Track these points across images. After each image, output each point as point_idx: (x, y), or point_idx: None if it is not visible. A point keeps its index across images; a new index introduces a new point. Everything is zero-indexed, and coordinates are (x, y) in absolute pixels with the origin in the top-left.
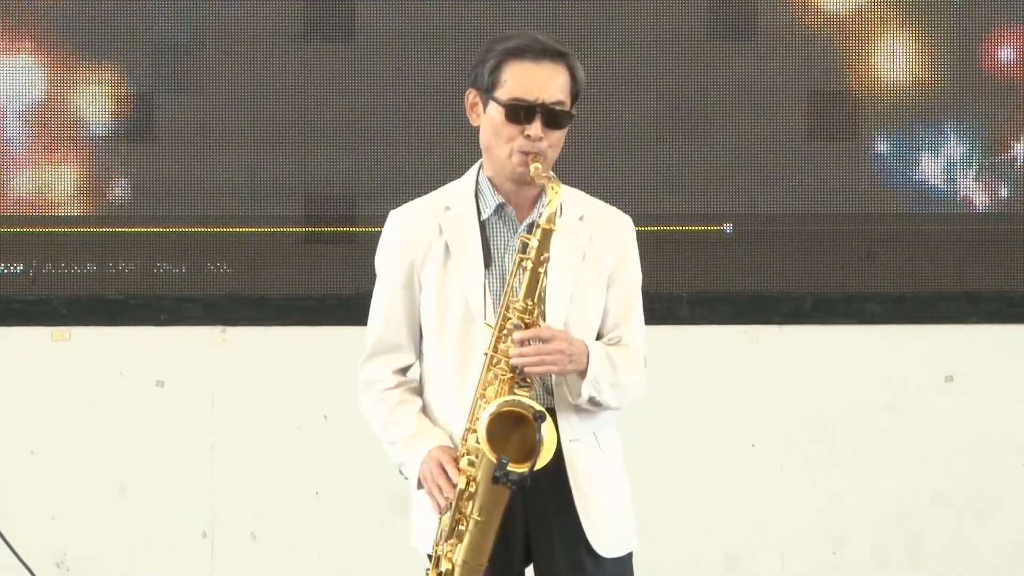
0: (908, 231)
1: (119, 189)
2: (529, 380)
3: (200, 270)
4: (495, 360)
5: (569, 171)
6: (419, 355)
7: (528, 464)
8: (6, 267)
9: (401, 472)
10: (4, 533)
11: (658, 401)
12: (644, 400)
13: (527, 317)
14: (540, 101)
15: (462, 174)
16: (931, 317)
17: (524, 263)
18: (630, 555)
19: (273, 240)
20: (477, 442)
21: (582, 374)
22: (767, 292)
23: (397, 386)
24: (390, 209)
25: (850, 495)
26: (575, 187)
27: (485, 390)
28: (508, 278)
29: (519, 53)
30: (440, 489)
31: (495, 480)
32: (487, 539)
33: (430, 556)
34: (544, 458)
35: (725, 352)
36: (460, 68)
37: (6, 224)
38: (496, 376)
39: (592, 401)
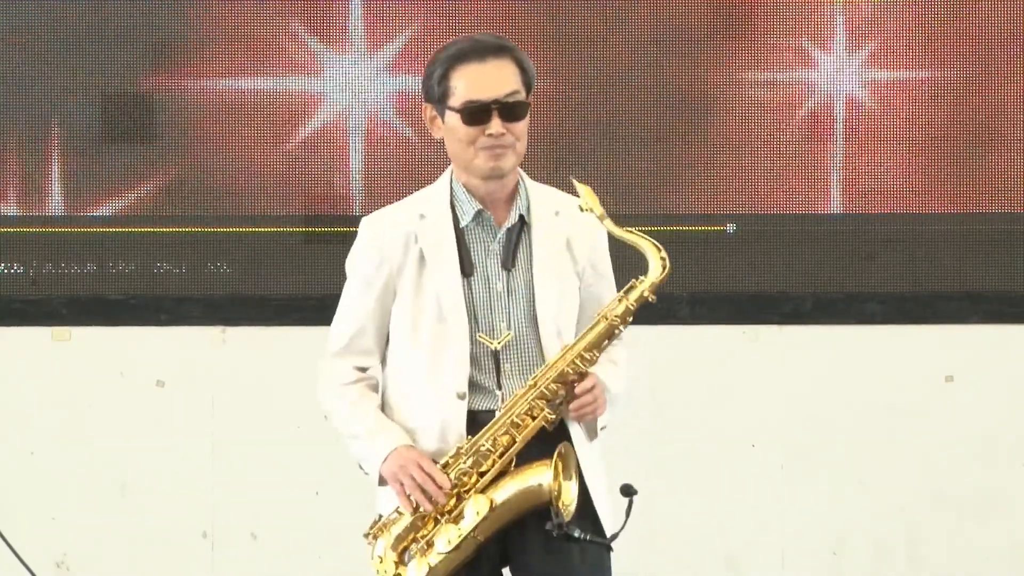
0: (908, 231)
1: (119, 189)
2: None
3: (200, 270)
4: (542, 394)
5: (570, 171)
6: (383, 359)
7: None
8: (6, 267)
9: (361, 467)
10: (4, 533)
11: (658, 401)
12: (644, 400)
13: (584, 366)
14: (493, 98)
15: None
16: (931, 317)
17: (612, 320)
18: (608, 552)
19: (273, 240)
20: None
21: None
22: (767, 292)
23: (356, 381)
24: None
25: (850, 495)
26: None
27: (517, 416)
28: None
29: (463, 57)
30: (428, 493)
31: (557, 528)
32: (468, 556)
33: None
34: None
35: (725, 352)
36: None
37: (6, 224)
38: (532, 407)
39: (603, 429)
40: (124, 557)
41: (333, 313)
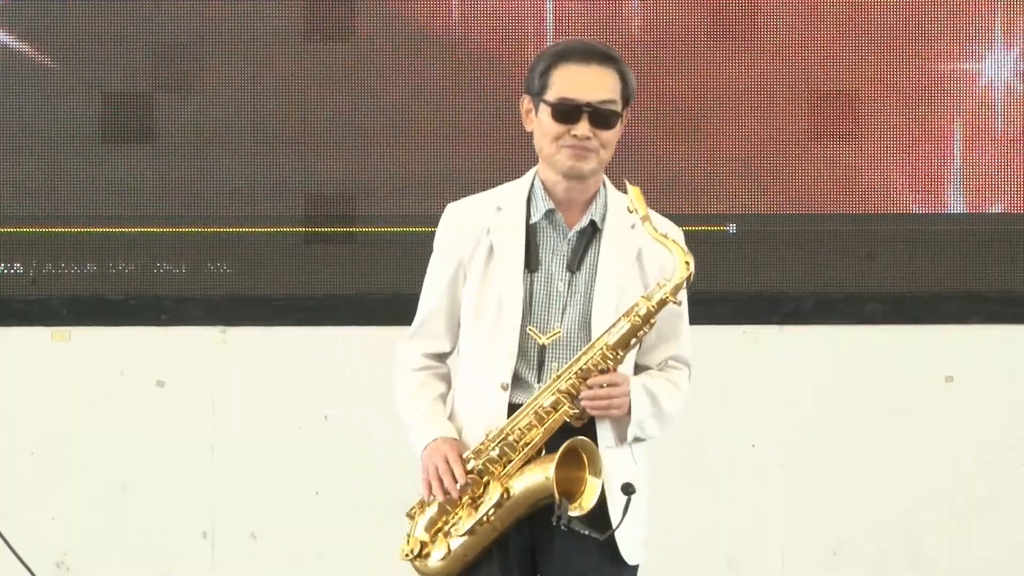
0: (908, 231)
1: (119, 189)
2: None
3: (200, 270)
4: (565, 388)
5: None
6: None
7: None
8: (6, 267)
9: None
10: (4, 533)
11: None
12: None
13: (607, 363)
14: (587, 101)
15: (462, 174)
16: (931, 317)
17: (634, 320)
18: (636, 568)
19: (273, 240)
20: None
21: (625, 415)
22: (767, 292)
23: (422, 368)
24: (390, 209)
25: (850, 495)
26: None
27: (542, 408)
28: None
29: (568, 56)
30: (441, 483)
31: (557, 519)
32: (487, 543)
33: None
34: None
35: (725, 352)
36: (461, 68)
37: (6, 224)
38: (556, 401)
39: (636, 439)
40: (124, 557)
41: (333, 313)
